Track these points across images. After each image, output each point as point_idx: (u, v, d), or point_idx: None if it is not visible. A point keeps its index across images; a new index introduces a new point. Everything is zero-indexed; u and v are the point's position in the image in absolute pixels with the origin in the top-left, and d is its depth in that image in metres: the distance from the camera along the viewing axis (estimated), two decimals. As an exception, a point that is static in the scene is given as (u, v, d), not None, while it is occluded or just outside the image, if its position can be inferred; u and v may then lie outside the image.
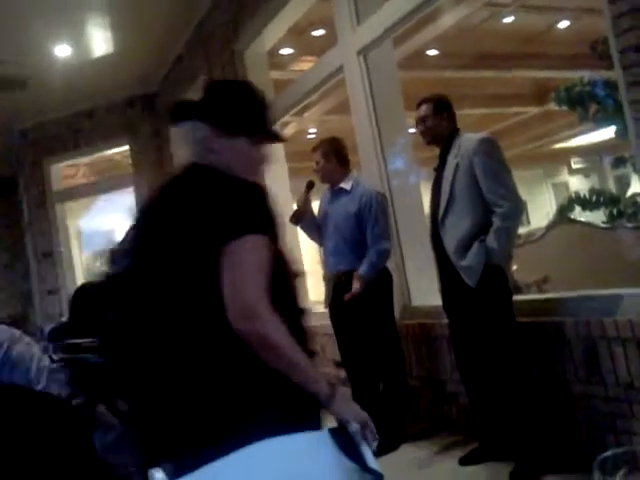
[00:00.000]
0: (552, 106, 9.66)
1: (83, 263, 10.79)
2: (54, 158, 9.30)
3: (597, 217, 8.73)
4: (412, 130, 4.33)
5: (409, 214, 4.76)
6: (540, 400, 3.39)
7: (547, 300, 3.78)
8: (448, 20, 6.78)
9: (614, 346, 3.05)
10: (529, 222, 13.71)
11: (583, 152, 16.95)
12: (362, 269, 4.09)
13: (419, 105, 3.72)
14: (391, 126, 4.82)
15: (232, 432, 1.54)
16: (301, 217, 4.34)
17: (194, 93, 7.51)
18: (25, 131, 9.26)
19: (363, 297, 4.06)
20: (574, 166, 18.08)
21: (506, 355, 3.35)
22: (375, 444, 1.58)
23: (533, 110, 11.69)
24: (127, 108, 8.80)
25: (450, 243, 3.50)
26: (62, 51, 7.06)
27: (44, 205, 9.26)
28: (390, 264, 4.33)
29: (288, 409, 1.61)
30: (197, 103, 1.88)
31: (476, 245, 3.39)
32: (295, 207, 4.37)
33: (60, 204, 9.42)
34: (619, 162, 10.02)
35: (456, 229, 3.48)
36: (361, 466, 1.52)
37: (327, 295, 4.40)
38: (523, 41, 8.64)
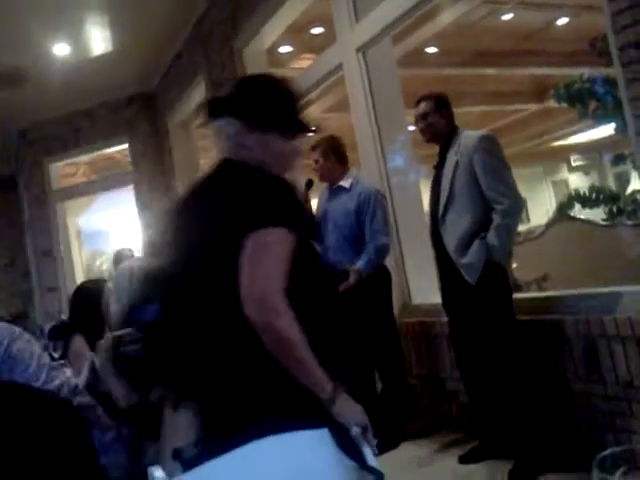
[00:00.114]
0: (551, 103, 9.64)
1: (83, 261, 10.79)
2: (54, 157, 9.31)
3: (597, 214, 8.73)
4: (411, 128, 4.32)
5: (409, 212, 4.76)
6: (540, 398, 3.39)
7: (547, 298, 3.78)
8: (447, 17, 6.76)
9: (614, 344, 3.05)
10: (529, 220, 13.72)
11: (583, 149, 16.94)
12: (359, 263, 4.08)
13: (418, 102, 3.71)
14: (390, 124, 4.81)
15: (249, 422, 1.58)
16: None
17: (193, 91, 7.53)
18: (24, 130, 9.26)
19: (362, 295, 4.05)
20: (574, 163, 18.07)
21: (506, 353, 3.35)
22: (375, 442, 1.58)
23: (532, 107, 11.68)
24: (126, 106, 8.81)
25: (450, 241, 3.50)
26: (61, 50, 7.05)
27: (44, 204, 9.27)
28: (390, 262, 4.33)
29: (302, 402, 1.60)
30: (228, 99, 1.88)
31: (476, 242, 3.39)
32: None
33: (60, 203, 9.43)
34: (619, 159, 10.02)
35: (456, 227, 3.48)
36: (361, 465, 1.52)
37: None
38: (522, 38, 8.63)
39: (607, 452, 0.99)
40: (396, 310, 4.40)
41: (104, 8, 6.46)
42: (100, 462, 2.04)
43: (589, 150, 16.74)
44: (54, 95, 7.98)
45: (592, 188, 9.46)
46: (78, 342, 3.23)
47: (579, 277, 5.42)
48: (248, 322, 1.55)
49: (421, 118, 3.67)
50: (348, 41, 4.88)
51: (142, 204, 8.84)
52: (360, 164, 4.95)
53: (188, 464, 1.45)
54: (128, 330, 1.80)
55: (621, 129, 7.83)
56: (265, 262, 1.59)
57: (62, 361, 3.34)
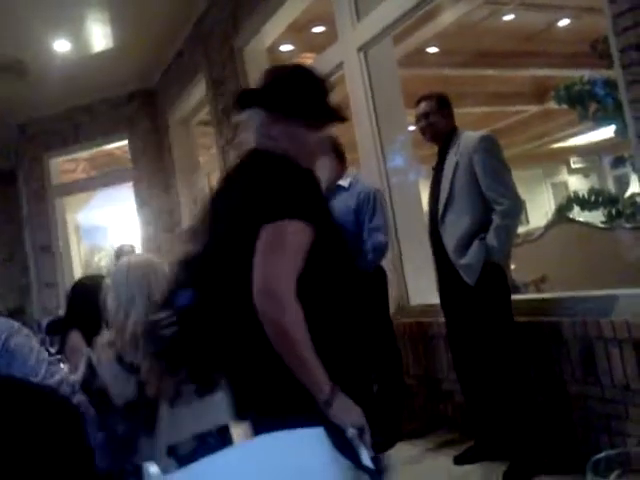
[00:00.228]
0: (552, 105, 9.65)
1: (81, 257, 10.79)
2: (53, 153, 9.31)
3: (596, 217, 8.73)
4: (411, 128, 4.32)
5: (408, 212, 4.75)
6: (536, 400, 3.39)
7: (544, 300, 3.78)
8: (448, 18, 6.76)
9: (610, 347, 3.05)
10: (528, 221, 13.71)
11: (582, 151, 16.93)
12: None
13: (419, 102, 3.71)
14: (391, 123, 4.81)
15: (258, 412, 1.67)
16: None
17: (194, 89, 7.52)
18: (24, 125, 9.25)
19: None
20: (573, 166, 18.07)
21: (503, 354, 3.35)
22: (371, 443, 1.58)
23: (533, 109, 11.67)
24: (127, 103, 8.80)
25: (450, 241, 3.50)
26: (61, 46, 7.05)
27: (43, 199, 9.27)
28: (388, 262, 4.33)
29: (304, 399, 1.61)
30: (256, 90, 1.89)
31: (476, 243, 3.39)
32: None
33: (59, 198, 9.43)
34: (618, 162, 10.04)
35: (456, 227, 3.48)
36: (356, 464, 1.52)
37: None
38: (523, 39, 8.62)
39: (602, 455, 0.99)
40: (393, 310, 4.39)
41: (105, 5, 6.45)
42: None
43: (589, 152, 16.74)
44: (54, 91, 7.97)
45: (591, 190, 9.47)
46: (75, 337, 3.24)
47: (577, 279, 5.42)
48: (255, 310, 1.57)
49: (422, 117, 3.67)
50: (349, 40, 4.88)
51: (141, 200, 8.84)
52: (360, 164, 4.95)
53: (183, 460, 1.45)
54: (164, 314, 1.83)
55: (621, 131, 7.84)
56: (277, 255, 1.61)
57: (59, 356, 3.34)
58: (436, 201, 3.59)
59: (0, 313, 2.85)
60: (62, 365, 2.94)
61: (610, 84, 7.77)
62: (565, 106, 8.78)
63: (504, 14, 7.76)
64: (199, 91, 7.47)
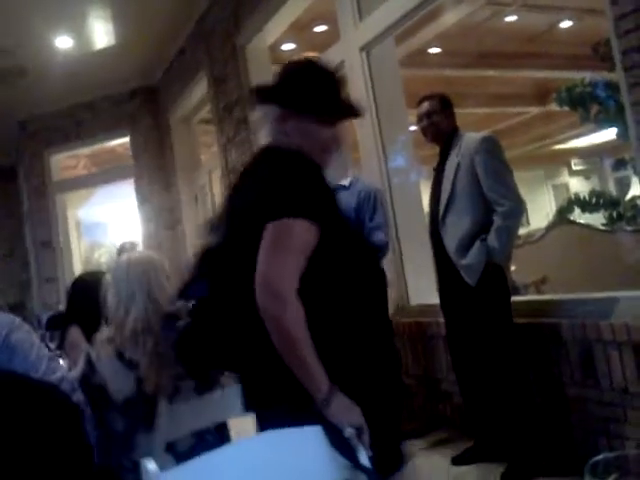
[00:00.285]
0: (553, 106, 9.64)
1: (81, 253, 10.79)
2: (54, 149, 9.31)
3: (596, 219, 8.73)
4: (413, 128, 4.32)
5: (408, 212, 4.75)
6: (534, 402, 3.39)
7: (544, 301, 3.78)
8: (450, 18, 6.77)
9: (610, 350, 3.04)
10: (529, 223, 13.71)
11: (584, 153, 16.93)
12: None
13: (421, 102, 3.71)
14: (392, 123, 4.81)
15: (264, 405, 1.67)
16: None
17: (195, 86, 7.52)
18: (24, 122, 9.25)
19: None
20: (574, 167, 18.06)
21: (502, 355, 3.35)
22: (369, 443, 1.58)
23: (534, 110, 11.67)
24: (129, 100, 8.81)
25: (451, 242, 3.50)
26: (63, 43, 7.04)
27: (44, 195, 9.27)
28: (388, 262, 4.32)
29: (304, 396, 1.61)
30: (270, 86, 1.89)
31: (477, 244, 3.39)
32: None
33: (60, 194, 9.43)
34: (620, 164, 10.04)
35: (457, 228, 3.48)
36: (354, 463, 1.52)
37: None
38: (525, 40, 8.62)
39: (600, 458, 0.99)
40: (392, 310, 4.39)
41: (107, 2, 6.45)
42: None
43: (590, 154, 16.74)
44: (56, 87, 7.97)
45: (592, 193, 9.48)
46: (74, 333, 3.23)
47: (577, 281, 5.42)
48: (257, 307, 1.59)
49: (425, 117, 3.67)
50: (352, 40, 4.88)
51: (142, 198, 8.85)
52: (361, 163, 4.95)
53: (181, 457, 1.45)
54: (180, 304, 1.84)
55: (622, 134, 7.85)
56: (280, 254, 1.61)
57: (58, 352, 3.34)
58: (437, 202, 3.59)
59: (0, 308, 2.85)
60: (61, 361, 2.94)
61: (612, 86, 7.77)
62: (567, 108, 8.78)
63: (506, 15, 7.76)
64: (201, 89, 7.46)
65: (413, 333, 4.49)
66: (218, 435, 2.38)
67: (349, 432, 1.54)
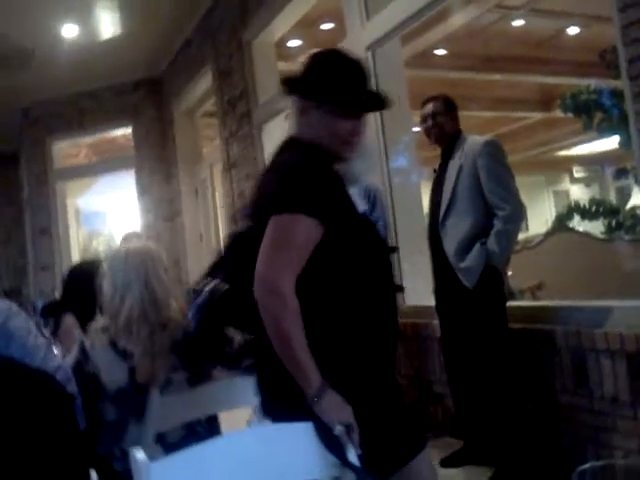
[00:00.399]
0: (557, 113, 9.64)
1: (80, 241, 10.79)
2: (57, 137, 9.30)
3: (596, 227, 8.73)
4: (416, 129, 4.31)
5: (408, 212, 4.74)
6: (525, 408, 3.39)
7: (539, 307, 3.78)
8: (457, 20, 6.75)
9: (603, 358, 3.04)
10: (528, 228, 13.71)
11: (585, 161, 16.93)
12: None
13: (425, 103, 3.71)
14: (396, 123, 4.79)
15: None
16: None
17: (200, 80, 7.52)
18: (27, 109, 9.23)
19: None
20: (576, 175, 18.05)
21: (495, 359, 3.35)
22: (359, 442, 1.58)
23: (538, 116, 11.66)
24: (132, 91, 8.80)
25: (450, 244, 3.50)
26: (69, 31, 7.03)
27: (44, 183, 9.26)
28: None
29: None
30: (295, 77, 1.88)
31: (477, 247, 3.39)
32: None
33: (60, 182, 9.42)
34: (621, 173, 10.04)
35: (457, 230, 3.48)
36: (342, 460, 1.52)
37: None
38: (532, 45, 8.61)
39: (587, 466, 0.99)
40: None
41: (115, -9, 6.45)
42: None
43: (592, 162, 16.74)
44: (60, 75, 7.95)
45: (592, 200, 9.50)
46: (69, 321, 3.24)
47: (574, 289, 5.41)
48: (254, 299, 1.60)
49: (429, 117, 3.66)
50: (358, 38, 4.86)
51: (142, 188, 8.85)
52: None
53: (171, 448, 1.45)
54: (204, 282, 1.86)
55: (625, 143, 7.85)
56: (279, 249, 1.62)
57: (52, 338, 3.34)
58: (437, 203, 3.59)
59: (-3, 294, 2.85)
60: (54, 348, 2.94)
61: (617, 95, 7.77)
62: (570, 114, 8.78)
63: (514, 19, 7.75)
64: (205, 82, 7.46)
65: (408, 334, 4.49)
66: (209, 427, 2.38)
67: (339, 430, 1.54)
